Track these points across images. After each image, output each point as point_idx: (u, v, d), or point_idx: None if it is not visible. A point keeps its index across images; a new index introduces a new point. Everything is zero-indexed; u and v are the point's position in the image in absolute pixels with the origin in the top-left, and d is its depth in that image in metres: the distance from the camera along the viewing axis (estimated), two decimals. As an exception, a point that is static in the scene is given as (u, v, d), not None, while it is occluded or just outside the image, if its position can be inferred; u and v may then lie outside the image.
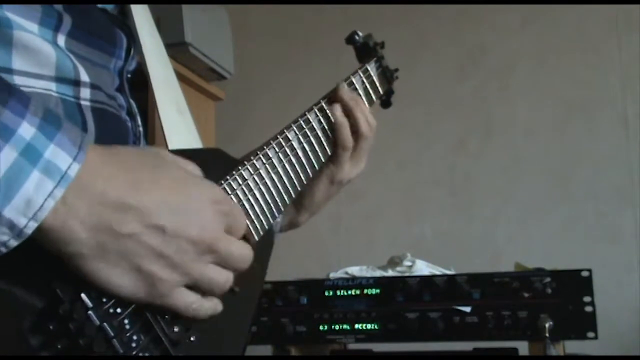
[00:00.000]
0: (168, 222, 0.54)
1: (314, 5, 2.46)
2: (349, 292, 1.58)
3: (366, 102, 0.95)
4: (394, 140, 2.25)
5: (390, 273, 1.69)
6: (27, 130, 0.48)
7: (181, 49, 2.06)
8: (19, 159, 0.48)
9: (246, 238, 0.64)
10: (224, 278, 0.60)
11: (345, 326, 1.56)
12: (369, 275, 1.67)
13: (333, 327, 1.57)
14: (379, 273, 1.69)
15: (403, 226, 2.29)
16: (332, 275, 1.70)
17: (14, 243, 0.49)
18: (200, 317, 0.60)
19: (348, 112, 0.89)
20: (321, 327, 1.57)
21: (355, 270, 1.71)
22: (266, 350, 1.65)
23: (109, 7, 0.72)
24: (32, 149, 0.48)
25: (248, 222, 0.70)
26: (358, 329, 1.55)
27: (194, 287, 0.58)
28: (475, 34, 2.33)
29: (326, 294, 1.59)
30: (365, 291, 1.57)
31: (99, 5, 0.71)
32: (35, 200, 0.48)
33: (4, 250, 0.49)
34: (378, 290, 1.56)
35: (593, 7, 2.20)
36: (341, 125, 0.87)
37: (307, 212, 0.96)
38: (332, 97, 0.89)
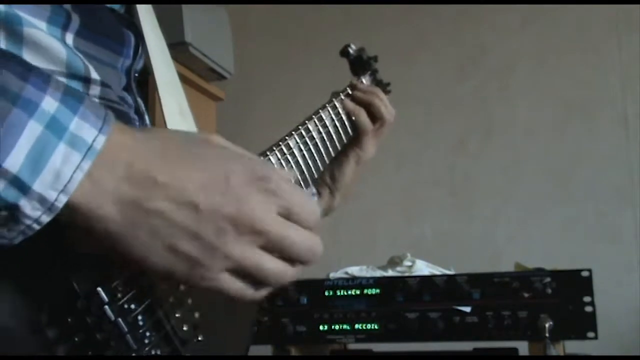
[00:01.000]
0: (201, 199, 0.51)
1: (314, 5, 2.46)
2: (349, 292, 1.58)
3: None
4: (393, 140, 2.24)
5: (390, 273, 1.69)
6: (50, 104, 0.48)
7: (181, 49, 2.06)
8: (45, 132, 0.47)
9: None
10: (278, 267, 0.54)
11: (345, 326, 1.56)
12: (369, 275, 1.67)
13: (333, 327, 1.57)
14: (379, 273, 1.69)
15: (403, 226, 2.29)
16: (332, 275, 1.70)
17: (45, 219, 0.48)
18: (247, 300, 0.55)
19: (365, 102, 1.00)
20: (321, 327, 1.57)
21: (355, 270, 1.71)
22: (266, 350, 1.65)
23: (117, 6, 0.73)
24: (57, 122, 0.48)
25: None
26: (358, 329, 1.55)
27: (240, 272, 0.53)
28: (475, 34, 2.33)
29: (326, 294, 1.59)
30: (365, 291, 1.57)
31: (107, 5, 0.71)
32: (64, 173, 0.47)
33: (36, 227, 0.48)
34: (378, 290, 1.56)
35: (593, 7, 2.20)
36: (357, 112, 0.99)
37: (340, 194, 1.05)
38: (348, 94, 0.99)
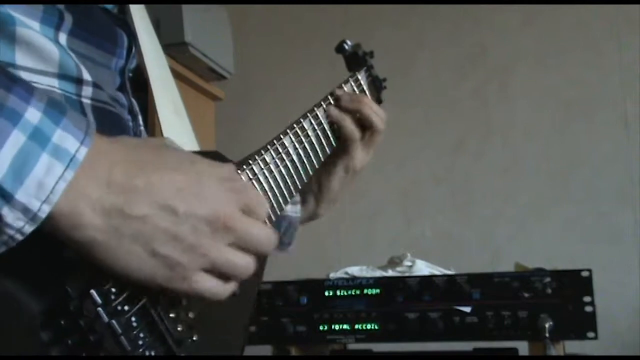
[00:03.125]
0: (178, 202, 0.53)
1: (314, 6, 2.46)
2: (349, 292, 1.58)
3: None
4: (393, 140, 2.24)
5: (390, 273, 1.69)
6: (33, 114, 0.48)
7: (181, 49, 2.06)
8: (28, 142, 0.47)
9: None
10: (245, 261, 0.58)
11: (345, 326, 1.56)
12: (369, 275, 1.67)
13: (333, 327, 1.57)
14: (379, 273, 1.69)
15: (403, 226, 2.29)
16: (332, 275, 1.70)
17: (28, 229, 0.48)
18: (219, 299, 0.58)
19: (353, 109, 0.92)
20: (321, 327, 1.57)
21: (355, 270, 1.71)
22: (266, 350, 1.65)
23: (110, 6, 0.73)
24: (40, 133, 0.48)
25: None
26: (358, 329, 1.55)
27: (214, 270, 0.56)
28: (475, 34, 2.33)
29: (326, 294, 1.59)
30: (365, 291, 1.57)
31: (100, 5, 0.71)
32: (47, 183, 0.47)
33: (19, 237, 0.48)
34: (378, 290, 1.56)
35: (593, 7, 2.20)
36: (342, 120, 0.91)
37: (326, 203, 1.00)
38: (336, 99, 0.92)
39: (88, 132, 0.50)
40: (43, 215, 0.48)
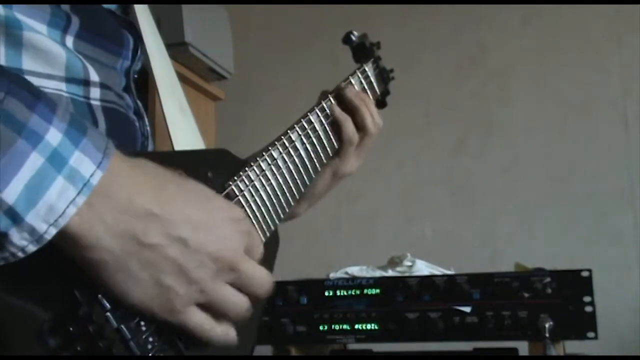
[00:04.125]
0: (190, 235, 0.54)
1: (314, 5, 2.46)
2: (349, 292, 1.58)
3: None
4: (393, 140, 2.25)
5: (390, 273, 1.69)
6: (54, 136, 0.48)
7: (181, 49, 2.06)
8: (46, 164, 0.47)
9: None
10: (241, 301, 0.59)
11: (345, 326, 1.56)
12: (369, 275, 1.67)
13: (333, 327, 1.57)
14: (379, 273, 1.69)
15: (403, 226, 2.29)
16: (332, 275, 1.69)
17: (32, 248, 0.48)
18: (210, 340, 0.58)
19: (354, 110, 0.90)
20: (321, 327, 1.57)
21: (355, 270, 1.71)
22: (266, 350, 1.65)
23: (114, 7, 0.73)
24: (58, 156, 0.48)
25: (256, 225, 0.71)
26: (358, 329, 1.55)
27: (208, 307, 0.57)
28: (475, 34, 2.33)
29: (326, 294, 1.59)
30: (365, 291, 1.57)
31: (105, 6, 0.71)
32: (58, 207, 0.48)
33: (21, 255, 0.48)
34: (378, 290, 1.56)
35: (593, 7, 2.20)
36: (345, 121, 0.89)
37: (307, 203, 0.97)
38: (337, 96, 0.90)
39: (106, 153, 0.51)
40: (48, 237, 0.48)
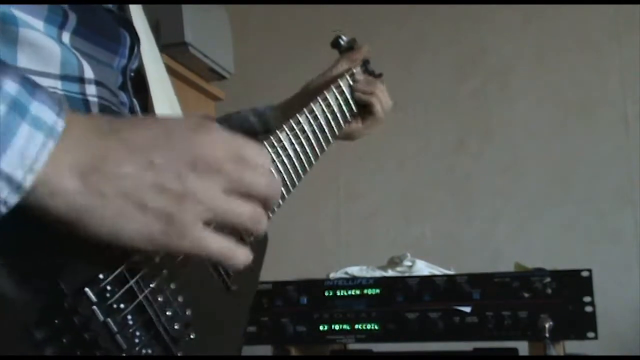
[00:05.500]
0: (154, 153, 0.51)
1: (314, 5, 2.46)
2: (349, 292, 1.58)
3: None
4: (393, 140, 2.25)
5: (390, 273, 1.69)
6: (11, 86, 0.48)
7: (181, 49, 2.05)
8: (10, 112, 0.47)
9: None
10: (250, 208, 0.54)
11: (345, 326, 1.56)
12: (369, 275, 1.67)
13: (333, 327, 1.57)
14: (379, 273, 1.69)
15: (403, 226, 2.29)
16: (332, 275, 1.70)
17: (12, 199, 0.47)
18: (235, 266, 0.55)
19: (370, 90, 1.00)
20: (321, 327, 1.57)
21: (355, 270, 1.71)
22: (266, 350, 1.65)
23: (112, 6, 0.73)
24: (19, 104, 0.48)
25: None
26: (358, 329, 1.55)
27: (217, 222, 0.53)
28: (475, 34, 2.33)
29: (326, 294, 1.59)
30: (365, 291, 1.57)
31: (104, 5, 0.71)
32: (29, 152, 0.47)
33: (3, 210, 0.47)
34: (378, 290, 1.56)
35: (593, 7, 2.20)
36: (371, 96, 1.01)
37: None
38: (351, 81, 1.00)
39: (61, 104, 0.50)
40: (27, 184, 0.47)
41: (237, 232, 0.55)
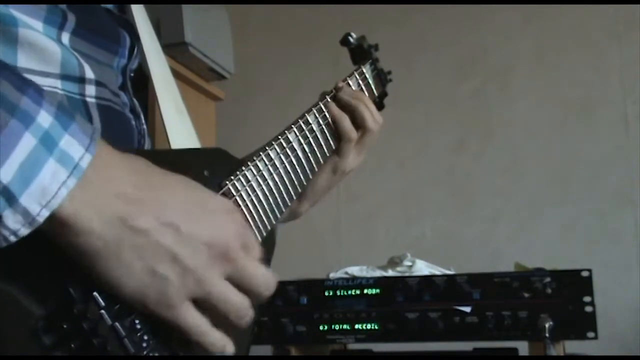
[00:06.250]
0: (182, 221, 0.53)
1: (314, 5, 2.46)
2: (349, 292, 1.58)
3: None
4: (393, 140, 2.25)
5: (390, 273, 1.69)
6: (45, 118, 0.48)
7: (181, 49, 2.05)
8: (38, 146, 0.47)
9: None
10: (239, 299, 0.57)
11: (345, 326, 1.56)
12: (369, 275, 1.67)
13: (333, 327, 1.57)
14: (379, 273, 1.69)
15: (403, 226, 2.29)
16: (332, 275, 1.70)
17: (23, 232, 0.48)
18: (205, 347, 0.56)
19: (350, 108, 0.89)
20: (321, 327, 1.57)
21: (355, 270, 1.71)
22: (266, 350, 1.65)
23: (111, 6, 0.73)
24: (50, 138, 0.48)
25: (252, 225, 0.70)
26: (358, 329, 1.55)
27: (206, 305, 0.55)
28: (475, 34, 2.33)
29: (326, 294, 1.59)
30: (365, 291, 1.57)
31: (103, 5, 0.71)
32: (50, 188, 0.47)
33: (12, 239, 0.48)
34: (378, 290, 1.56)
35: (593, 7, 2.20)
36: (340, 118, 0.88)
37: (308, 202, 0.94)
38: (334, 97, 0.90)
39: (93, 138, 0.50)
40: (41, 219, 0.48)
41: (222, 316, 0.57)
